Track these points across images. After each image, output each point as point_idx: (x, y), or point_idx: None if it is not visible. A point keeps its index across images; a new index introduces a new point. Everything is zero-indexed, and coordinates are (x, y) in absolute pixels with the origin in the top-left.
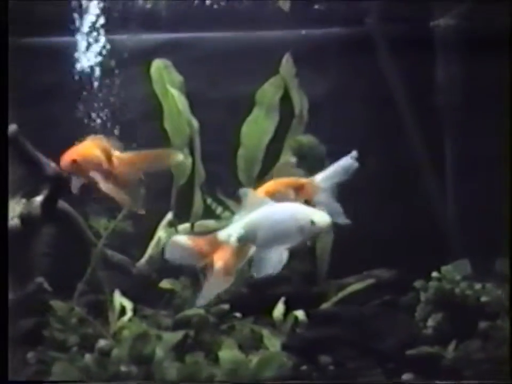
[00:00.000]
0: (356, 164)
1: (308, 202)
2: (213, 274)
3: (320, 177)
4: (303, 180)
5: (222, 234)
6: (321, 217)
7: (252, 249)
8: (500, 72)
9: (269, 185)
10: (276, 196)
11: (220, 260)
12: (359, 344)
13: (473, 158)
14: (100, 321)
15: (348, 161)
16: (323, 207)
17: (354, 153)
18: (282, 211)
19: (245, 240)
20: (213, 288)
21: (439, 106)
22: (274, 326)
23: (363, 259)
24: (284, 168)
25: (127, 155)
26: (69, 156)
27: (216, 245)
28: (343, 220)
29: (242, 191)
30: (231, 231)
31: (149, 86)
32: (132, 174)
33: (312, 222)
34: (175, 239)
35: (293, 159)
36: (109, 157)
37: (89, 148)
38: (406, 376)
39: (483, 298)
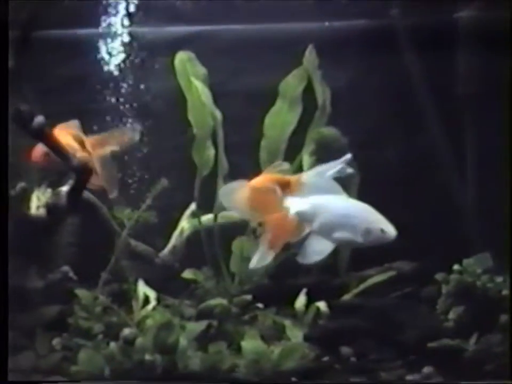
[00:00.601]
0: (348, 169)
1: None
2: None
3: (307, 175)
4: (290, 177)
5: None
6: (391, 229)
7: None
8: None
9: (258, 179)
10: (262, 190)
11: (270, 229)
12: (380, 336)
13: (495, 150)
14: (124, 310)
15: (339, 164)
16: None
17: (348, 156)
18: (354, 206)
19: (303, 218)
20: (259, 258)
21: (460, 98)
22: (296, 317)
23: (384, 251)
24: (274, 170)
25: (94, 137)
26: (40, 149)
27: (274, 206)
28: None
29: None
30: (294, 203)
31: (173, 78)
32: (101, 155)
33: (382, 230)
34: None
35: (285, 165)
36: (81, 142)
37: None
38: (426, 370)
39: (504, 292)
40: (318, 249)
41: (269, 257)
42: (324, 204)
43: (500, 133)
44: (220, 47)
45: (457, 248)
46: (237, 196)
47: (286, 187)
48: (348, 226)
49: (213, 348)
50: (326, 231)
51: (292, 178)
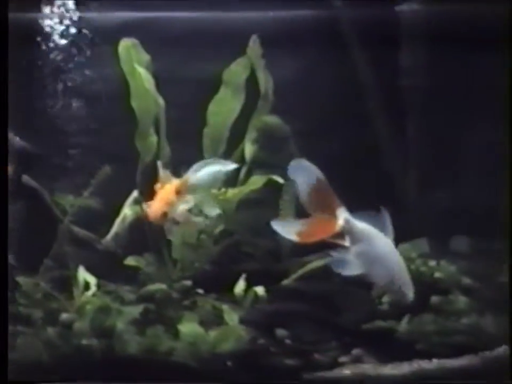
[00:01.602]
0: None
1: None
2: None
3: (193, 178)
4: (180, 181)
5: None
6: (411, 295)
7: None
8: (464, 56)
9: (163, 197)
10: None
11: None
12: (316, 319)
13: (438, 140)
14: (64, 296)
15: (223, 168)
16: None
17: (232, 166)
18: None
19: (348, 232)
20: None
21: (404, 90)
22: (235, 302)
23: None
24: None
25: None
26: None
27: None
28: (214, 212)
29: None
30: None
31: (117, 65)
32: None
33: (404, 295)
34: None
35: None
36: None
37: None
38: (355, 351)
39: (437, 274)
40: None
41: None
42: (372, 234)
43: (443, 123)
44: (164, 34)
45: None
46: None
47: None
48: (378, 270)
49: (150, 331)
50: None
51: (182, 182)
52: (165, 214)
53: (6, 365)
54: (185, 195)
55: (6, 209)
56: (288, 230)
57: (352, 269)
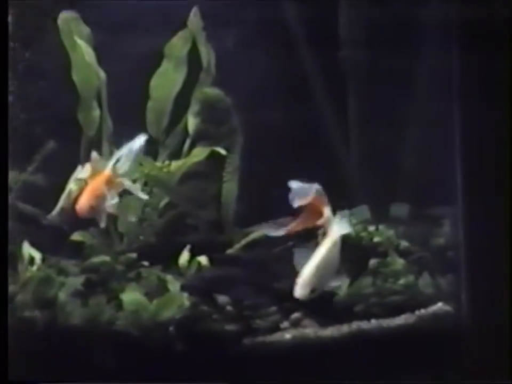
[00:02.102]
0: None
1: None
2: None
3: (119, 164)
4: (108, 172)
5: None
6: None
7: None
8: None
9: (91, 190)
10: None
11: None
12: (257, 285)
13: (378, 110)
14: (9, 272)
15: (136, 143)
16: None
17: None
18: None
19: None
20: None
21: (343, 59)
22: (180, 274)
23: (267, 207)
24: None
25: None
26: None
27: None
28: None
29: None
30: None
31: (58, 38)
32: None
33: None
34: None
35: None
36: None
37: None
38: (295, 315)
39: (376, 239)
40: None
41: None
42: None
43: (383, 91)
44: (105, 7)
45: (335, 203)
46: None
47: (109, 183)
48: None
49: (92, 301)
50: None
51: (111, 172)
52: (92, 208)
53: (6, 365)
54: (117, 186)
55: (6, 209)
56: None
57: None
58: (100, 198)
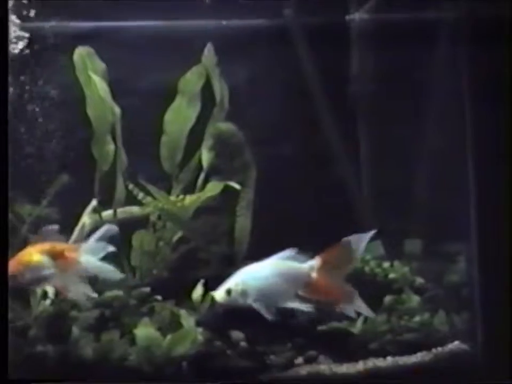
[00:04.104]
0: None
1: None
2: None
3: (83, 246)
4: (63, 246)
5: None
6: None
7: None
8: (414, 62)
9: (23, 253)
10: (30, 266)
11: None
12: (272, 321)
13: (390, 145)
14: (21, 306)
15: (108, 229)
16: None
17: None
18: None
19: None
20: None
21: (354, 97)
22: (193, 308)
23: (280, 241)
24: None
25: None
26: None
27: None
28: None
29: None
30: None
31: (73, 74)
32: None
33: None
34: None
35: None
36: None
37: None
38: (310, 353)
39: (391, 275)
40: None
41: None
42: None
43: (394, 128)
44: (120, 43)
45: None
46: None
47: (58, 257)
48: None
49: (105, 336)
50: None
51: (66, 247)
52: (21, 275)
53: (6, 365)
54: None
55: (6, 209)
56: None
57: None
58: (32, 267)
